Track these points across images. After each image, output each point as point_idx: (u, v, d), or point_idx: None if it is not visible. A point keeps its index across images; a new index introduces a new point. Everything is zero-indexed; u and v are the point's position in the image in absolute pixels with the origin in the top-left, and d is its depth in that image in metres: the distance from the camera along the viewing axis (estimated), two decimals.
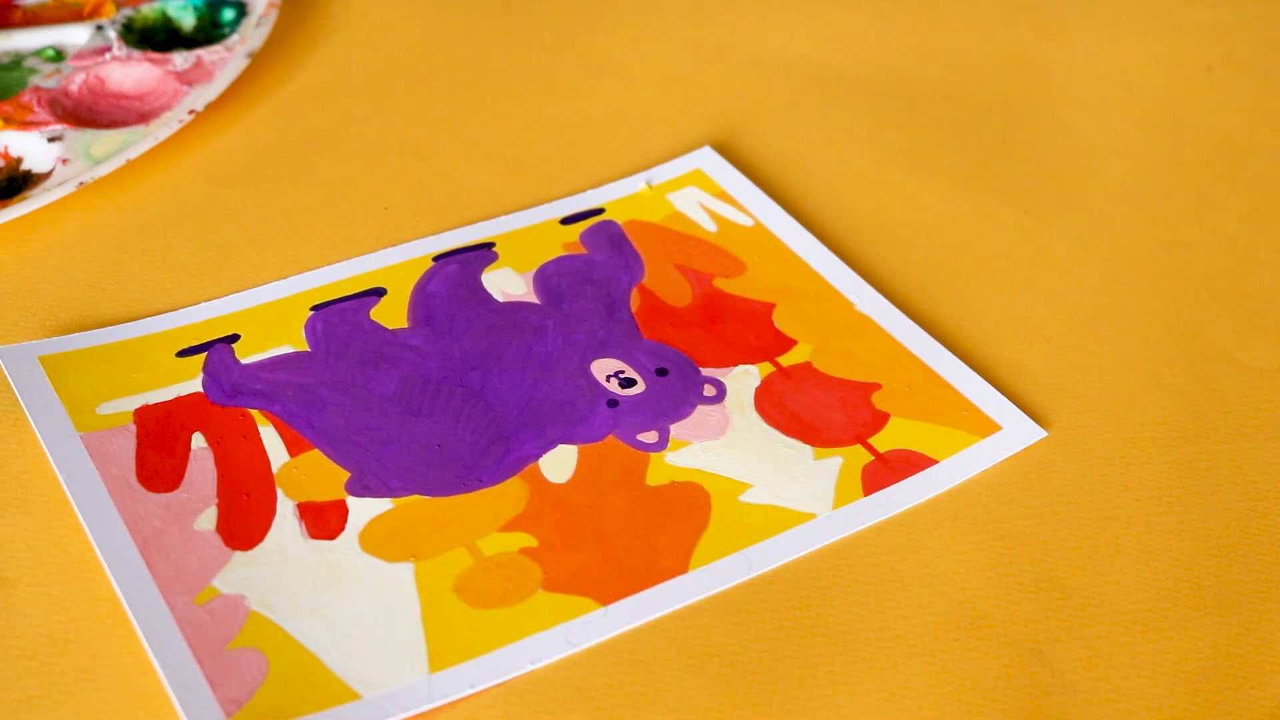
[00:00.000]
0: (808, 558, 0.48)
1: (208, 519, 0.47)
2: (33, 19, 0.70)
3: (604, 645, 0.45)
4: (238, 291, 0.56)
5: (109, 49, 0.67)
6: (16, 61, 0.67)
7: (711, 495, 0.50)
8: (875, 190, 0.63)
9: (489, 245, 0.59)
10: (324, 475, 0.49)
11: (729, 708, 0.44)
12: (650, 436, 0.51)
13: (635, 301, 0.57)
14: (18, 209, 0.57)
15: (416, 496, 0.49)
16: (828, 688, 0.44)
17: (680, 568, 0.47)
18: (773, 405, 0.53)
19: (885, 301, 0.57)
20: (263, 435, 0.50)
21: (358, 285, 0.56)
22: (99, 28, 0.68)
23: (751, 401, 0.53)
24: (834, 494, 0.50)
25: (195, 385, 0.52)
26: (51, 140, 0.61)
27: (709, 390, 0.53)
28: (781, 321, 0.56)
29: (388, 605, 0.45)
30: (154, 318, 0.55)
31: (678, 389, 0.53)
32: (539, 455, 0.50)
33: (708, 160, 0.63)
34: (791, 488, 0.50)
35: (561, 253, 0.59)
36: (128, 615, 0.44)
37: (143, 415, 0.51)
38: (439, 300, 0.56)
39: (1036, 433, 0.52)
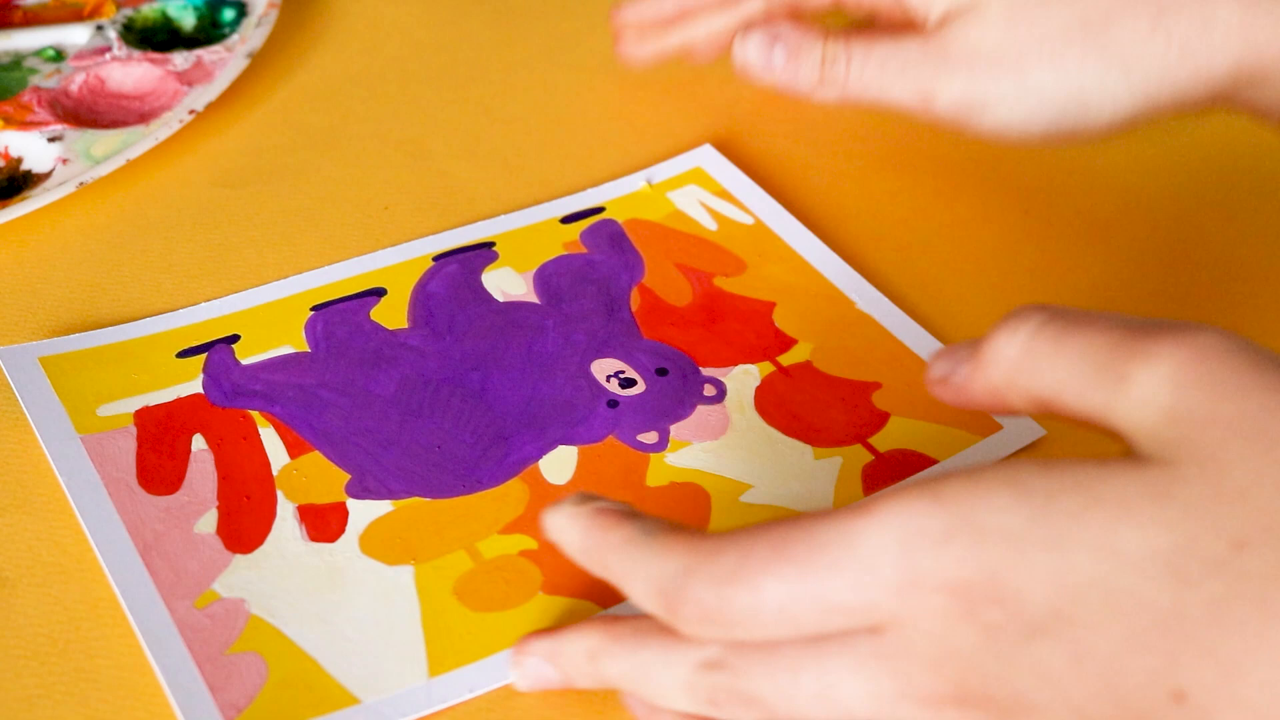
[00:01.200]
0: None
1: (208, 522, 0.47)
2: (33, 19, 0.70)
3: None
4: (238, 292, 0.56)
5: (109, 49, 0.67)
6: (16, 61, 0.67)
7: (712, 496, 0.49)
8: (875, 190, 0.63)
9: (489, 245, 0.59)
10: (324, 477, 0.49)
11: None
12: (650, 437, 0.51)
13: (635, 301, 0.57)
14: (18, 209, 0.57)
15: (416, 498, 0.49)
16: None
17: None
18: (773, 405, 0.53)
19: (885, 300, 0.57)
20: (263, 437, 0.50)
21: (358, 285, 0.56)
22: (99, 28, 0.68)
23: (752, 401, 0.53)
24: (834, 494, 0.50)
25: (195, 386, 0.52)
26: (51, 140, 0.61)
27: (709, 390, 0.53)
28: (782, 321, 0.56)
29: (388, 609, 0.45)
30: (154, 318, 0.55)
31: (678, 389, 0.53)
32: (539, 456, 0.50)
33: (708, 158, 0.63)
34: (792, 487, 0.50)
35: (562, 252, 0.59)
36: (128, 618, 0.44)
37: (143, 417, 0.51)
38: (439, 300, 0.56)
39: (1036, 432, 0.52)
